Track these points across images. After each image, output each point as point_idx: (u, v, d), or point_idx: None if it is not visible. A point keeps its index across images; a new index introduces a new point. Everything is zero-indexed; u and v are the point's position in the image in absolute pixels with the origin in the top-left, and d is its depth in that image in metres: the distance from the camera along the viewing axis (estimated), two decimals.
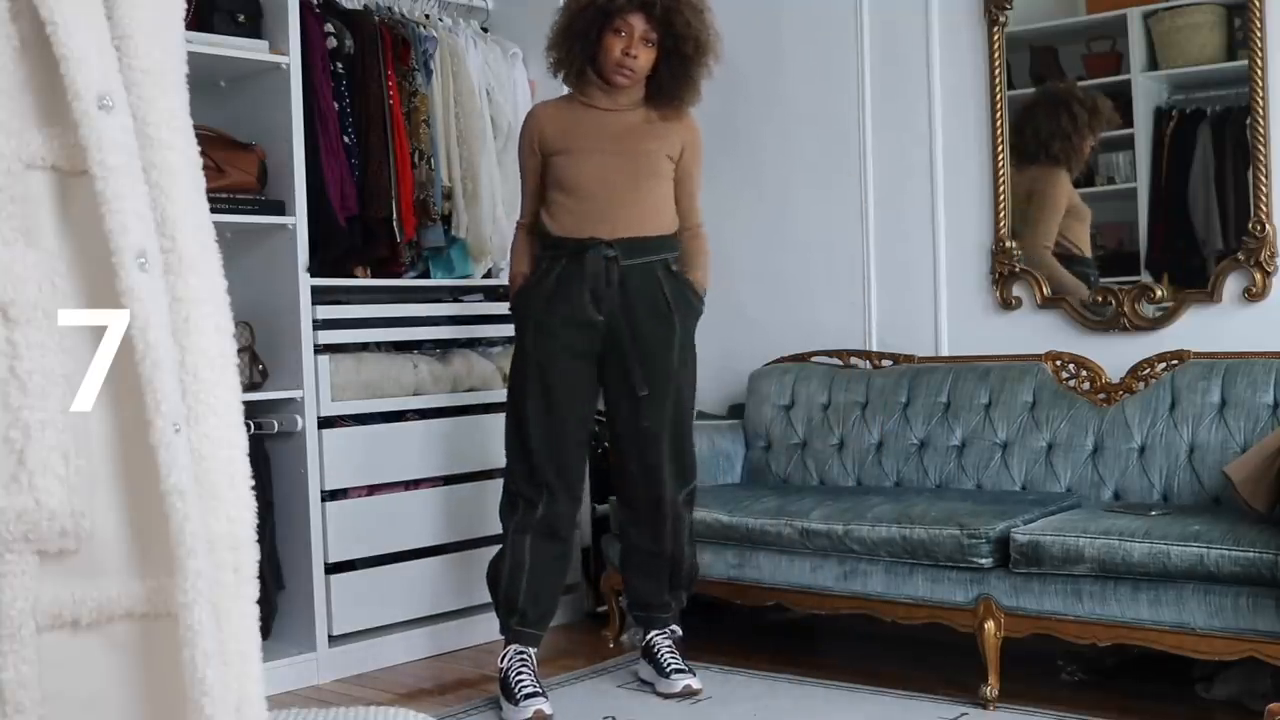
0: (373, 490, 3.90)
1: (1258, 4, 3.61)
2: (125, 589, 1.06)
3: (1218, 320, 3.72)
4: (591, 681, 3.64)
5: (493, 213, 4.16)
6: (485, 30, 4.51)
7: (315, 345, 3.74)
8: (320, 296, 3.79)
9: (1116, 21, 3.89)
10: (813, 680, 3.54)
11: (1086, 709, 3.19)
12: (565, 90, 3.60)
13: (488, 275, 4.27)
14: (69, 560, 1.04)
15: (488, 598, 3.60)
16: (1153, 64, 3.86)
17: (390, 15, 4.12)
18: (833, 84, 4.40)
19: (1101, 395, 3.74)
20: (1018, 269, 4.05)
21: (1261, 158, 3.63)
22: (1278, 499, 3.09)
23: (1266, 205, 3.64)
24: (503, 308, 4.24)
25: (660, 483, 3.49)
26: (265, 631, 3.61)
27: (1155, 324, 3.81)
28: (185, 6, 1.19)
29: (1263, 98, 3.62)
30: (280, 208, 3.68)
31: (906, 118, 4.26)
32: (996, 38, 4.06)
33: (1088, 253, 4.03)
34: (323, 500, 3.75)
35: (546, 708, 3.28)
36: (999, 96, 4.06)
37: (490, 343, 4.33)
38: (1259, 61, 3.62)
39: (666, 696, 3.44)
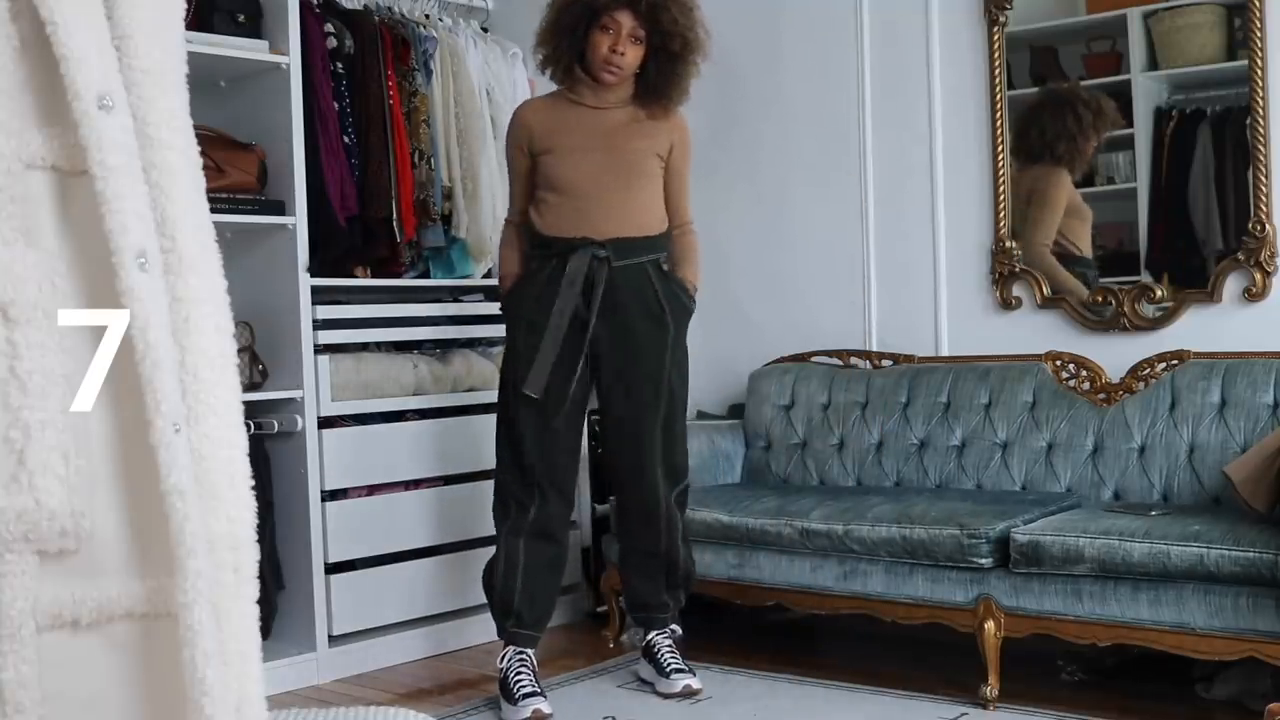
0: (373, 490, 3.90)
1: (1258, 4, 3.61)
2: (125, 589, 1.06)
3: (1218, 320, 3.72)
4: (591, 681, 3.64)
5: (493, 213, 4.16)
6: (485, 30, 4.51)
7: (315, 345, 3.74)
8: (320, 296, 3.79)
9: (1116, 21, 3.89)
10: (813, 680, 3.54)
11: (1086, 709, 3.19)
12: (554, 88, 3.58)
13: (488, 275, 4.27)
14: (69, 560, 1.04)
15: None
16: (1153, 64, 3.86)
17: (390, 15, 4.13)
18: (832, 83, 4.40)
19: (1101, 395, 3.74)
20: (1018, 269, 4.05)
21: (1261, 158, 3.63)
22: (1278, 499, 3.09)
23: (1266, 205, 3.64)
24: None
25: (653, 483, 3.48)
26: (265, 631, 3.61)
27: (1155, 324, 3.81)
28: (185, 6, 1.19)
29: (1263, 98, 3.62)
30: (280, 208, 3.68)
31: (906, 117, 4.26)
32: (996, 38, 4.06)
33: (1088, 253, 4.03)
34: (323, 500, 3.76)
35: (545, 708, 3.28)
36: (999, 96, 4.06)
37: (490, 343, 4.33)
38: (1259, 61, 3.62)
39: (666, 696, 3.43)
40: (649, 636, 3.58)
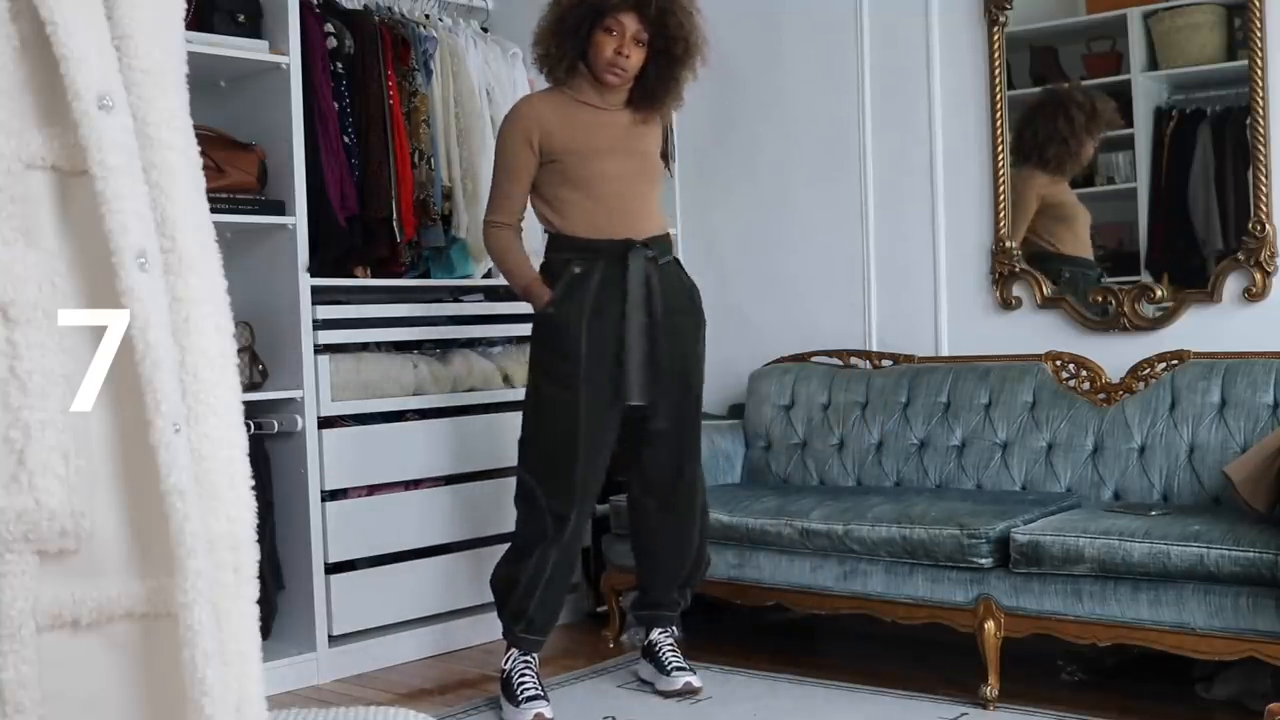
0: (373, 490, 3.90)
1: (1258, 4, 3.61)
2: (125, 589, 1.06)
3: (1218, 320, 3.72)
4: (591, 681, 3.64)
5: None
6: (485, 30, 4.51)
7: (315, 345, 3.74)
8: (320, 296, 3.79)
9: (1116, 21, 3.89)
10: (813, 680, 3.54)
11: (1086, 709, 3.19)
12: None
13: (488, 275, 4.27)
14: (69, 560, 1.04)
15: (488, 597, 3.59)
16: (1153, 64, 3.86)
17: (390, 15, 4.12)
18: (833, 84, 4.40)
19: (1101, 395, 3.74)
20: (1018, 269, 4.05)
21: (1261, 158, 3.63)
22: (1278, 499, 3.09)
23: (1266, 205, 3.64)
24: (503, 308, 4.25)
25: (695, 475, 3.52)
26: (265, 631, 3.61)
27: (1155, 324, 3.81)
28: (185, 6, 1.19)
29: (1263, 98, 3.62)
30: (280, 208, 3.68)
31: (906, 118, 4.26)
32: (996, 38, 4.06)
33: (1075, 252, 4.03)
34: (323, 500, 3.75)
35: (547, 711, 3.28)
36: (999, 97, 4.06)
37: (490, 343, 4.33)
38: (1259, 61, 3.62)
39: (667, 695, 3.43)
40: (651, 635, 3.58)
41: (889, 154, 4.30)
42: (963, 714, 3.21)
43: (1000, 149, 4.06)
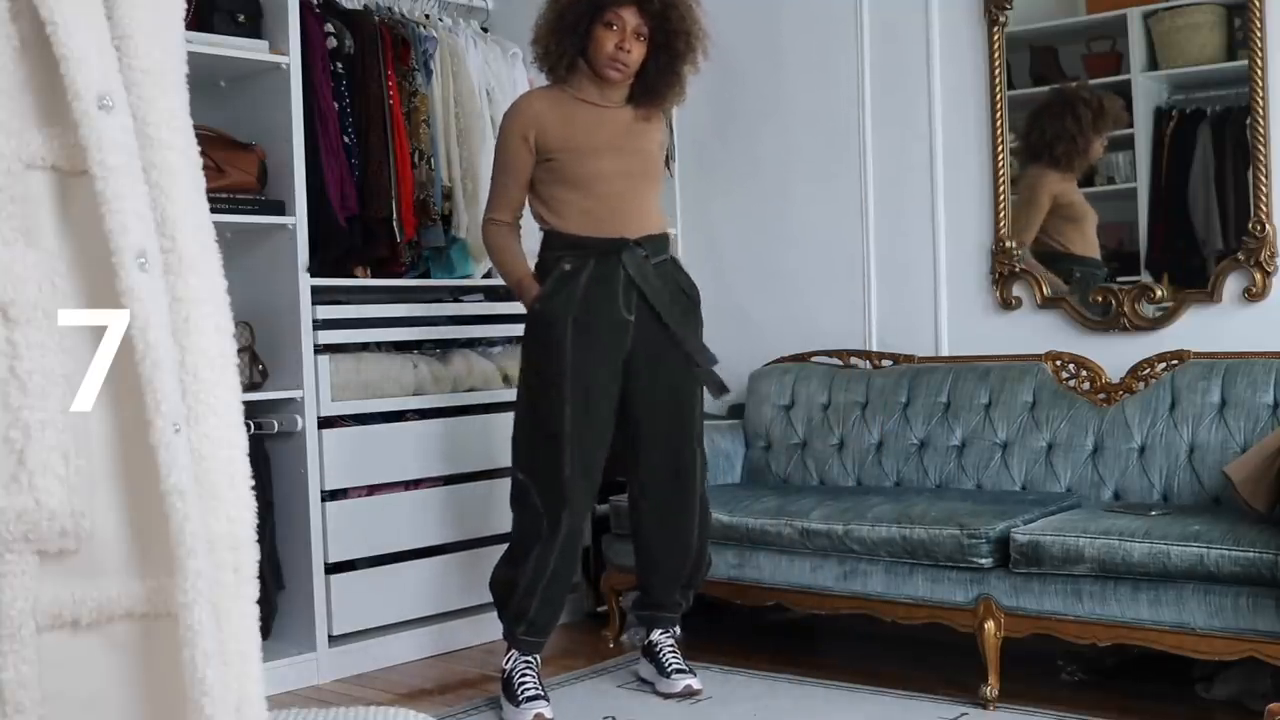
0: (373, 490, 3.90)
1: (1258, 4, 3.61)
2: (125, 589, 1.06)
3: (1218, 320, 3.72)
4: (591, 681, 3.64)
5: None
6: (485, 30, 4.51)
7: (315, 345, 3.74)
8: (320, 296, 3.79)
9: (1116, 21, 3.89)
10: (813, 680, 3.54)
11: (1086, 709, 3.19)
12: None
13: (488, 275, 4.26)
14: (69, 560, 1.04)
15: (488, 598, 3.59)
16: (1153, 64, 3.86)
17: (390, 15, 4.12)
18: (833, 83, 4.40)
19: (1101, 395, 3.74)
20: (1018, 269, 4.05)
21: (1261, 158, 3.63)
22: (1278, 499, 3.09)
23: (1266, 205, 3.64)
24: (503, 308, 4.25)
25: (694, 474, 3.48)
26: (265, 631, 3.61)
27: (1155, 324, 3.81)
28: (185, 6, 1.19)
29: (1263, 98, 3.62)
30: (280, 208, 3.68)
31: (906, 117, 4.26)
32: (996, 38, 4.06)
33: (1083, 252, 4.02)
34: (323, 500, 3.76)
35: (547, 711, 3.28)
36: (999, 96, 4.06)
37: (490, 343, 4.33)
38: (1259, 61, 3.62)
39: (667, 696, 3.43)
40: (651, 636, 3.57)
41: (889, 153, 4.30)
42: (963, 714, 3.21)
43: (1000, 149, 4.06)
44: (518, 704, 3.29)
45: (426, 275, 4.18)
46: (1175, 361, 3.65)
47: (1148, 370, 3.69)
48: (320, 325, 3.76)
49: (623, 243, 3.32)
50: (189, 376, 1.08)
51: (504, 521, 3.71)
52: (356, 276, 3.99)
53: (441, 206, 4.10)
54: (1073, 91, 4.00)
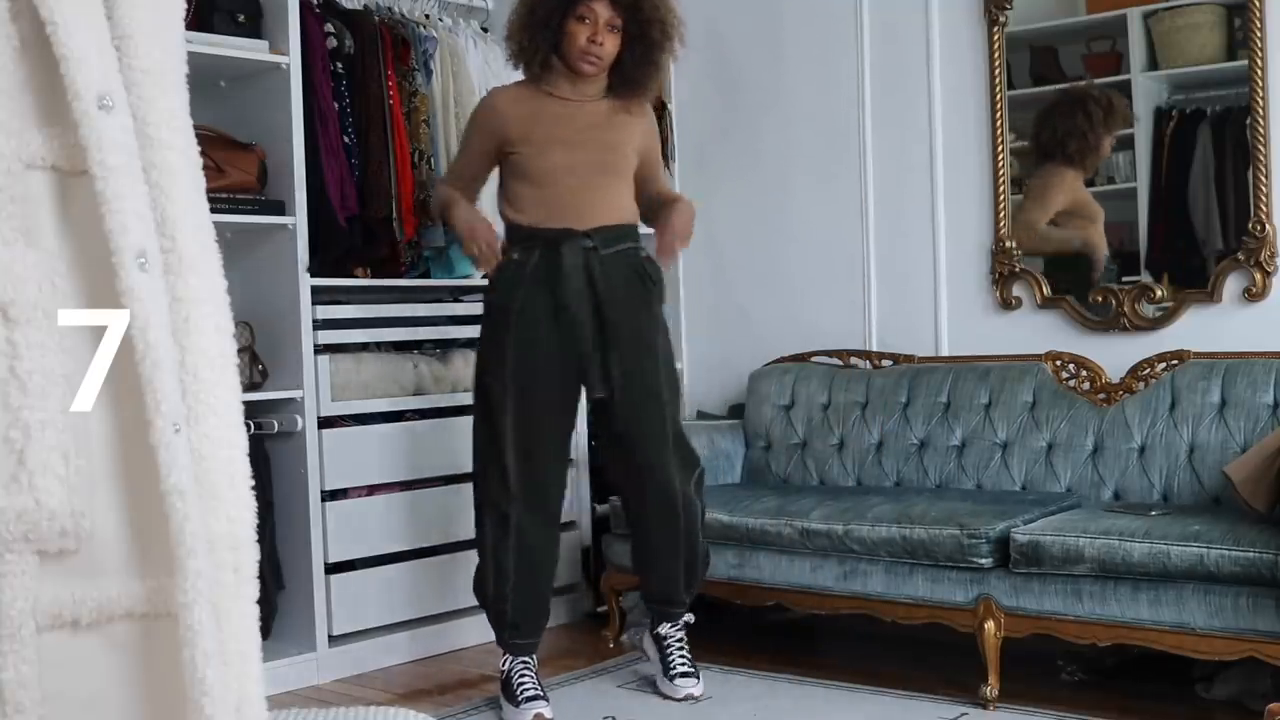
0: (373, 490, 3.90)
1: (1258, 4, 3.61)
2: (125, 589, 1.06)
3: (1218, 320, 3.72)
4: (591, 681, 3.64)
5: (493, 212, 4.15)
6: (485, 30, 4.50)
7: (315, 345, 3.74)
8: (320, 296, 3.79)
9: (1116, 21, 3.89)
10: (813, 680, 3.54)
11: (1086, 709, 3.19)
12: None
13: (487, 275, 4.26)
14: (69, 560, 1.04)
15: None
16: (1153, 64, 3.86)
17: (390, 15, 4.12)
18: (833, 83, 4.40)
19: (1101, 395, 3.74)
20: (1018, 269, 4.05)
21: (1261, 158, 3.63)
22: (1278, 499, 3.09)
23: (1266, 205, 3.64)
24: None
25: (668, 473, 3.40)
26: (265, 631, 3.61)
27: (1155, 324, 3.81)
28: (185, 6, 1.19)
29: (1263, 98, 3.62)
30: (280, 208, 3.68)
31: (906, 117, 4.26)
32: (996, 38, 4.06)
33: (1091, 249, 4.01)
34: (323, 500, 3.75)
35: (547, 711, 3.28)
36: (999, 96, 4.06)
37: None
38: (1259, 61, 3.62)
39: (666, 696, 3.43)
40: (659, 629, 3.53)
41: (889, 153, 4.30)
42: (963, 714, 3.21)
43: (1000, 149, 4.06)
44: (517, 704, 3.29)
45: (426, 275, 4.18)
46: (1175, 361, 3.65)
47: (1148, 370, 3.69)
48: (320, 325, 3.76)
49: (567, 233, 3.28)
50: (189, 376, 1.08)
51: None
52: (356, 276, 3.99)
53: None
54: (1082, 89, 3.98)
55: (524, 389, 3.27)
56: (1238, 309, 3.70)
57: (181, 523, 1.03)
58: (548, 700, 3.32)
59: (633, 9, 3.27)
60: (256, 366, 3.72)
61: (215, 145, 3.54)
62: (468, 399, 4.12)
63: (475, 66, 4.26)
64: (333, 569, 3.78)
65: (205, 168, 1.16)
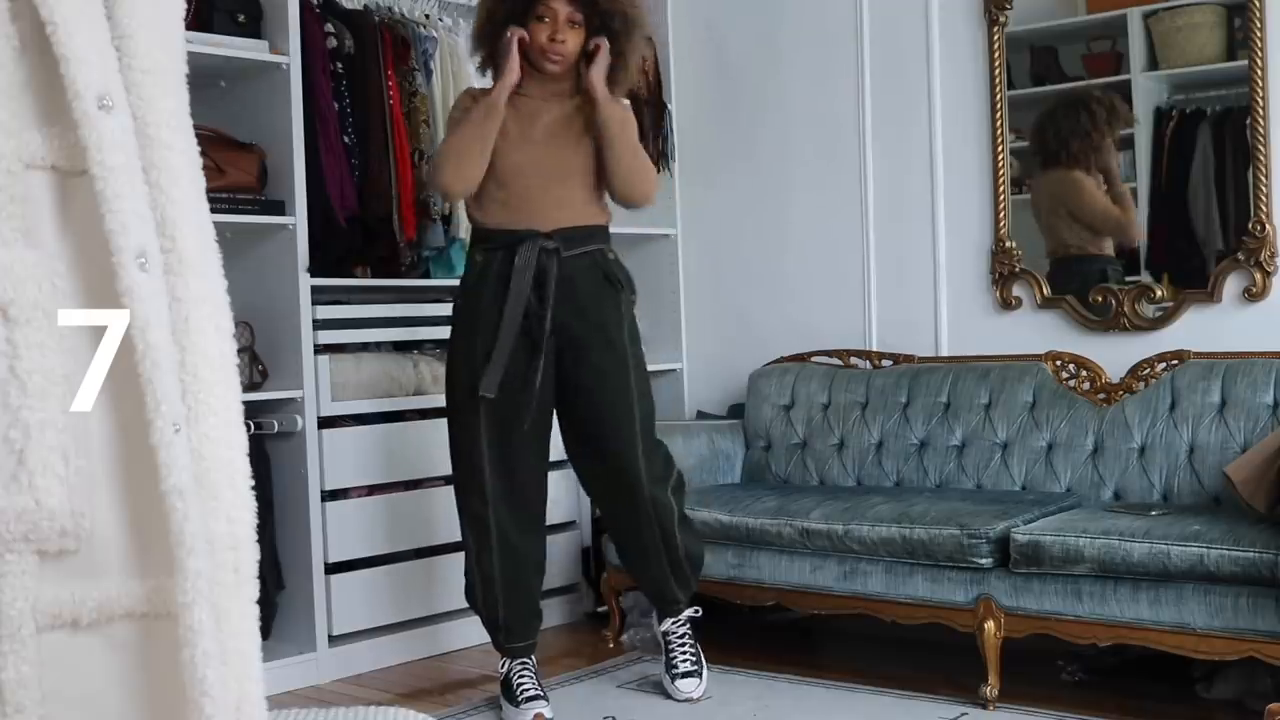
0: (373, 490, 3.90)
1: (1258, 4, 3.61)
2: (125, 589, 1.06)
3: (1218, 320, 3.72)
4: (591, 681, 3.64)
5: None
6: None
7: (315, 345, 3.74)
8: (320, 296, 3.79)
9: (1116, 21, 3.89)
10: (813, 680, 3.54)
11: (1086, 709, 3.19)
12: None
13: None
14: (69, 560, 1.04)
15: None
16: (1153, 64, 3.86)
17: (390, 15, 4.12)
18: (833, 84, 4.40)
19: (1101, 395, 3.74)
20: (1018, 269, 4.05)
21: (1261, 158, 3.63)
22: (1278, 499, 3.09)
23: (1266, 205, 3.64)
24: None
25: (636, 478, 3.31)
26: (265, 631, 3.61)
27: (1155, 324, 3.81)
28: (185, 6, 1.19)
29: (1263, 98, 3.62)
30: (280, 208, 3.68)
31: (906, 118, 4.26)
32: (996, 38, 4.06)
33: (1104, 250, 3.99)
34: (323, 500, 3.76)
35: (547, 711, 3.27)
36: (999, 96, 4.06)
37: None
38: (1259, 61, 3.62)
39: (669, 696, 3.43)
40: (662, 625, 3.51)
41: (889, 154, 4.30)
42: (963, 714, 3.21)
43: (1000, 149, 4.06)
44: (517, 704, 3.29)
45: (426, 275, 4.18)
46: (1175, 361, 3.65)
47: (1148, 370, 3.69)
48: (320, 325, 3.76)
49: (528, 234, 3.23)
50: (189, 376, 1.08)
51: None
52: (356, 276, 3.99)
53: (441, 206, 4.10)
54: (1083, 90, 3.97)
55: (500, 395, 3.20)
56: (1238, 309, 3.70)
57: (181, 523, 1.03)
58: (548, 700, 3.32)
59: (590, 3, 3.23)
60: (256, 366, 3.72)
61: (215, 145, 3.54)
62: None
63: (475, 66, 4.25)
64: (333, 569, 3.78)
65: (205, 168, 1.16)
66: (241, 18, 3.67)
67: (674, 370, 4.76)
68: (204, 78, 3.64)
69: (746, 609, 4.05)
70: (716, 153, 4.69)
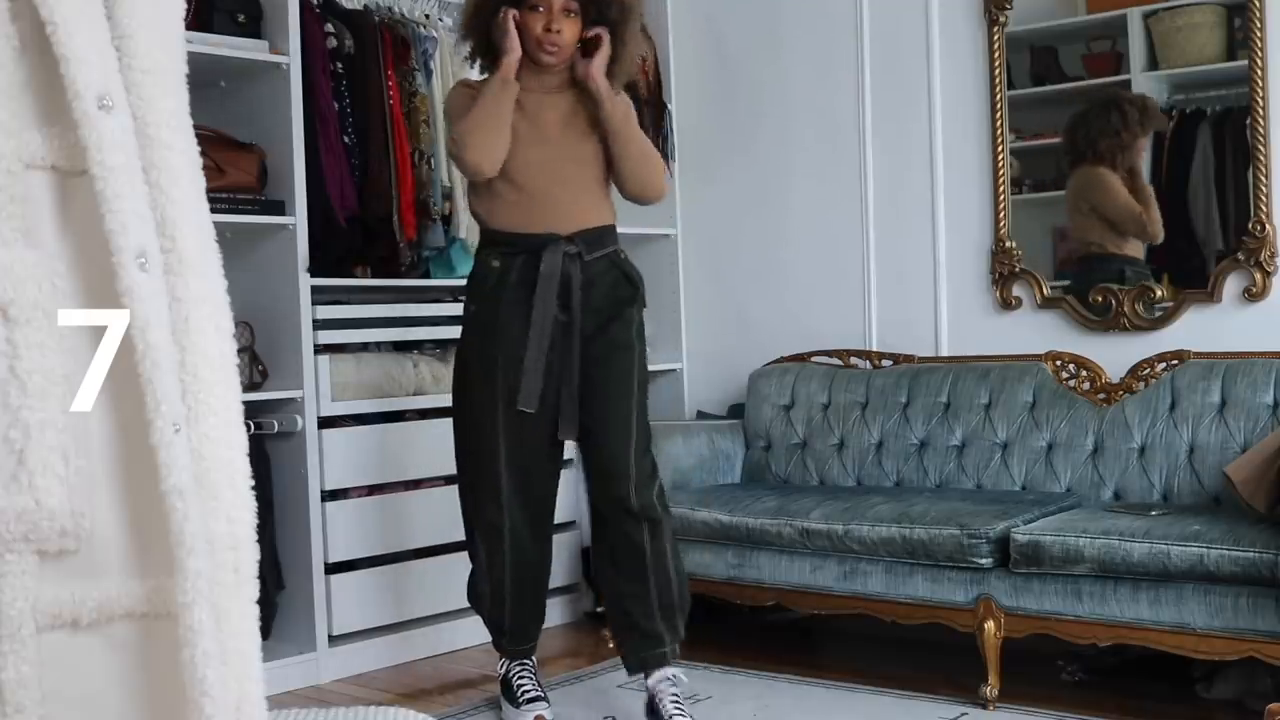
0: (373, 490, 3.91)
1: (1258, 4, 3.62)
2: (125, 589, 1.06)
3: (1218, 320, 3.72)
4: (591, 681, 3.64)
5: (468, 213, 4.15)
6: None
7: (315, 345, 3.74)
8: (320, 296, 3.79)
9: (1116, 21, 3.89)
10: (813, 680, 3.54)
11: (1086, 709, 3.19)
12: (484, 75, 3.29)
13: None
14: (69, 560, 1.04)
15: None
16: (1153, 64, 3.86)
17: (390, 15, 4.12)
18: (833, 84, 4.40)
19: (1101, 395, 3.74)
20: (1018, 269, 4.05)
21: (1261, 158, 3.63)
22: (1278, 499, 3.09)
23: (1266, 205, 3.64)
24: None
25: (628, 485, 3.14)
26: (265, 631, 3.61)
27: (1155, 324, 3.81)
28: (185, 6, 1.19)
29: (1263, 98, 3.62)
30: (280, 208, 3.68)
31: (907, 118, 4.26)
32: (996, 38, 4.06)
33: (1126, 251, 3.97)
34: (323, 500, 3.76)
35: (547, 712, 3.27)
36: (999, 96, 4.06)
37: None
38: (1259, 61, 3.62)
39: None
40: (649, 681, 3.16)
41: (889, 153, 4.30)
42: (963, 714, 3.21)
43: (1000, 149, 4.06)
44: (517, 705, 3.29)
45: (426, 275, 4.18)
46: (1175, 361, 3.65)
47: (1148, 370, 3.69)
48: (320, 325, 3.76)
49: (550, 239, 3.11)
50: (189, 376, 1.08)
51: None
52: (356, 276, 3.99)
53: (441, 206, 4.10)
54: (1113, 91, 3.93)
55: (514, 404, 3.12)
56: (1238, 309, 3.70)
57: (181, 523, 1.03)
58: (548, 701, 3.31)
59: None
60: (256, 366, 3.72)
61: (215, 145, 3.54)
62: None
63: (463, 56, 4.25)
64: (333, 569, 3.78)
65: (205, 168, 1.16)
66: (241, 18, 3.67)
67: (674, 370, 4.77)
68: (204, 78, 3.64)
69: (746, 609, 4.06)
70: (717, 153, 4.69)
